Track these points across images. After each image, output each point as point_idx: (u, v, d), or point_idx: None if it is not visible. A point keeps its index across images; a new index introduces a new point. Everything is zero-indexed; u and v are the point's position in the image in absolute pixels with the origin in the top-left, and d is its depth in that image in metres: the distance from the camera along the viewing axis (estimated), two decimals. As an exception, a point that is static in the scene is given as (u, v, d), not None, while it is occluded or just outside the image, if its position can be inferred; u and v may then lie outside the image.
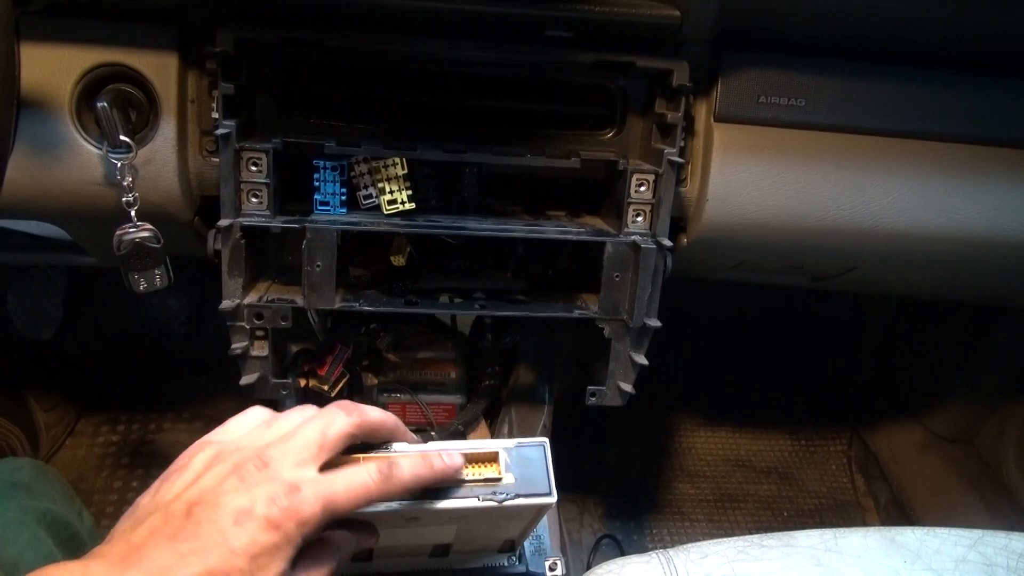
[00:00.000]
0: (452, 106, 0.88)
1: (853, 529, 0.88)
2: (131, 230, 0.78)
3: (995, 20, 0.81)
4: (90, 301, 1.68)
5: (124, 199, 0.77)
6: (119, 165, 0.76)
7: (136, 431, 1.63)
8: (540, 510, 0.64)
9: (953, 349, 1.64)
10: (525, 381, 1.15)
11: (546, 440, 0.63)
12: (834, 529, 0.88)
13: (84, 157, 0.77)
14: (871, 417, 1.84)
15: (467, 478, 0.60)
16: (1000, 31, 0.83)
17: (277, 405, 1.09)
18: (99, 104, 0.73)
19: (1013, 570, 0.85)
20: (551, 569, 0.76)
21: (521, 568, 0.76)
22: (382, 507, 0.57)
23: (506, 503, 0.60)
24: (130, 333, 1.71)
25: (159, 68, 0.78)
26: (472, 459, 0.61)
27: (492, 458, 0.62)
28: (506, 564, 0.75)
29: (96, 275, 1.51)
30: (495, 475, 0.61)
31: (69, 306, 1.66)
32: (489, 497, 0.60)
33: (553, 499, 0.61)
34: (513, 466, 0.61)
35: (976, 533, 0.88)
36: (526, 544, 0.77)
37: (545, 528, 0.80)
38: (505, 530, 0.71)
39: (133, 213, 0.78)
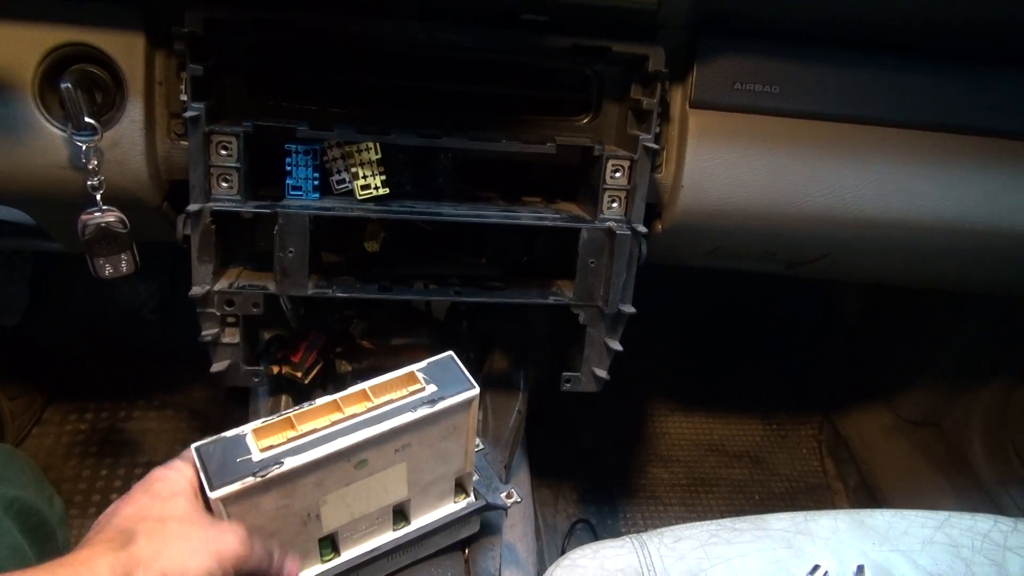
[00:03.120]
0: (427, 90, 0.87)
1: (823, 512, 0.89)
2: (96, 214, 0.77)
3: (970, 9, 0.81)
4: (57, 287, 1.64)
5: (89, 183, 0.75)
6: (84, 148, 0.74)
7: (105, 419, 1.61)
8: (471, 416, 0.70)
9: (921, 336, 1.67)
10: (500, 367, 1.15)
11: (452, 351, 0.71)
12: (804, 512, 0.89)
13: (48, 140, 0.75)
14: (841, 402, 1.86)
15: (394, 398, 0.66)
16: (974, 20, 0.83)
17: (249, 392, 1.08)
18: (63, 85, 0.71)
19: (978, 550, 0.86)
20: (508, 497, 0.80)
21: (481, 503, 0.78)
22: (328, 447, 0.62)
23: (439, 405, 0.66)
24: (98, 320, 1.68)
25: (125, 48, 0.76)
26: (393, 385, 0.67)
27: (410, 378, 0.68)
28: (465, 506, 0.78)
29: (63, 260, 1.48)
30: (419, 387, 0.67)
31: (35, 292, 1.63)
32: (421, 405, 0.66)
33: (476, 390, 0.68)
34: (431, 379, 0.68)
35: (942, 515, 0.90)
36: (477, 486, 0.80)
37: (487, 467, 0.83)
38: (450, 458, 0.74)
39: (99, 197, 0.76)
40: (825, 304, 1.95)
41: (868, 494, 1.71)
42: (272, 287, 0.80)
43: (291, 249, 0.77)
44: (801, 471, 1.83)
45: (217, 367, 0.83)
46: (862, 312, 1.88)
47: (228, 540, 0.57)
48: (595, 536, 1.57)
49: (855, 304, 1.90)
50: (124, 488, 1.50)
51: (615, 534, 1.42)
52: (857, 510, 0.91)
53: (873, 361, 1.84)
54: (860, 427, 1.80)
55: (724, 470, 1.79)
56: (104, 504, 1.42)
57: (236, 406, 1.51)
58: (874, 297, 1.83)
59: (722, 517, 0.89)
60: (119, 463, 1.52)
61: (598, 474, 1.71)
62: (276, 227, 0.76)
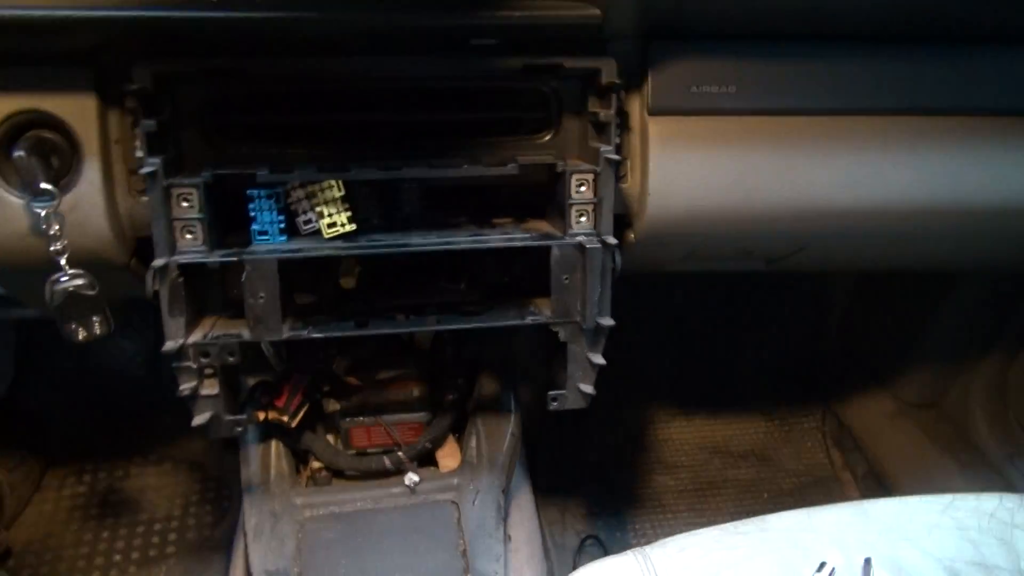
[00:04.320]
0: (386, 122, 0.87)
1: (825, 507, 0.88)
2: (63, 279, 0.76)
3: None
4: (43, 353, 1.64)
5: (52, 248, 0.75)
6: (43, 214, 0.73)
7: (103, 479, 1.59)
8: None
9: (913, 316, 1.67)
10: (489, 391, 1.14)
11: None
12: (807, 509, 0.88)
13: (6, 209, 0.75)
14: (841, 391, 1.86)
15: None
16: (928, 3, 0.84)
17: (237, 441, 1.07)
18: (16, 154, 0.71)
19: (985, 531, 0.85)
20: None
21: None
22: None
23: None
24: (88, 381, 1.67)
25: (77, 111, 0.76)
26: None
27: None
28: None
29: (46, 326, 1.47)
30: None
31: (21, 360, 1.62)
32: None
33: None
34: None
35: (947, 498, 0.89)
36: None
37: None
38: None
39: (63, 261, 0.76)
40: (814, 294, 1.95)
41: (877, 481, 1.69)
42: (247, 334, 0.79)
43: (262, 295, 0.77)
44: (808, 465, 1.82)
45: (198, 420, 0.83)
46: (852, 299, 1.88)
47: None
48: (605, 551, 1.56)
49: (844, 292, 1.89)
50: (126, 550, 1.50)
51: (625, 547, 1.40)
52: (860, 501, 0.90)
53: (868, 346, 1.84)
54: (862, 414, 1.79)
55: (730, 471, 1.78)
56: (108, 569, 1.41)
57: (232, 454, 1.49)
58: (862, 282, 1.83)
59: (733, 520, 0.88)
60: (120, 523, 1.50)
61: (603, 487, 1.70)
62: (244, 274, 0.76)
